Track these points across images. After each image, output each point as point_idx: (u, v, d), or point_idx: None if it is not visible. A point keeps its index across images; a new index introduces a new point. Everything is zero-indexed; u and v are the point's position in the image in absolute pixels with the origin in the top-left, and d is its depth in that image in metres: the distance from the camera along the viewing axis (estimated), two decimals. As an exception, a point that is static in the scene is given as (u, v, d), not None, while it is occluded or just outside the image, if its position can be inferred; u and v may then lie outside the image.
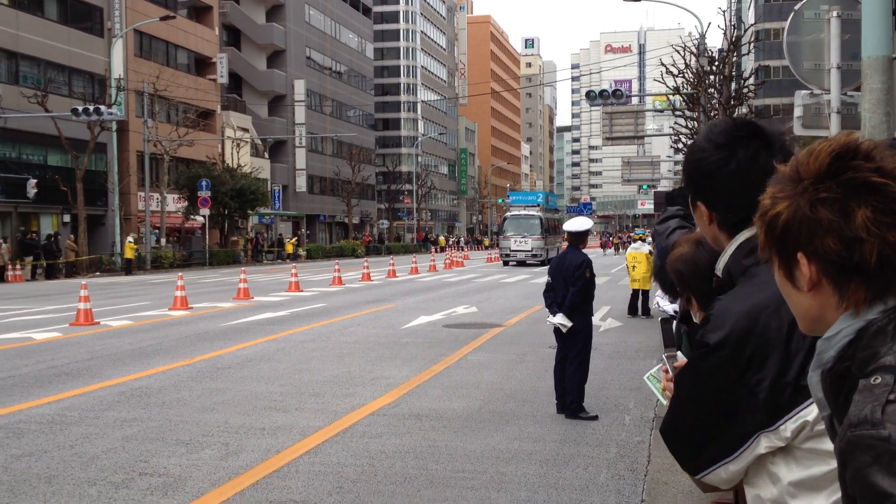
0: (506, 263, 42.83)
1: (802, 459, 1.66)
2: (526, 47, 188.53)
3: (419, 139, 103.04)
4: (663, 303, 7.76)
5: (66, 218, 43.52)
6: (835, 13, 7.06)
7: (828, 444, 1.57)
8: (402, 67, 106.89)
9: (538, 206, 46.76)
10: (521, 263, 42.07)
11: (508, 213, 45.69)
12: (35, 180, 39.24)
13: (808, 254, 1.22)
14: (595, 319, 13.00)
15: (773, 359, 1.65)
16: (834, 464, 1.18)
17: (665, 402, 2.57)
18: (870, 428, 1.06)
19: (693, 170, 1.87)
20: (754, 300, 1.70)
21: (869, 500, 1.04)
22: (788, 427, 1.65)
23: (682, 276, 2.30)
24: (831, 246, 1.19)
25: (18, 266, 34.11)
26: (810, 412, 1.63)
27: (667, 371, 2.25)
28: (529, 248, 42.27)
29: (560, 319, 8.43)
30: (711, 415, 1.71)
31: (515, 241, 42.43)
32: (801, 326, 1.32)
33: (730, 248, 1.85)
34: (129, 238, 39.84)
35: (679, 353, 2.25)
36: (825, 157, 1.22)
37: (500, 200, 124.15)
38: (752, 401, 1.66)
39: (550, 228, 45.80)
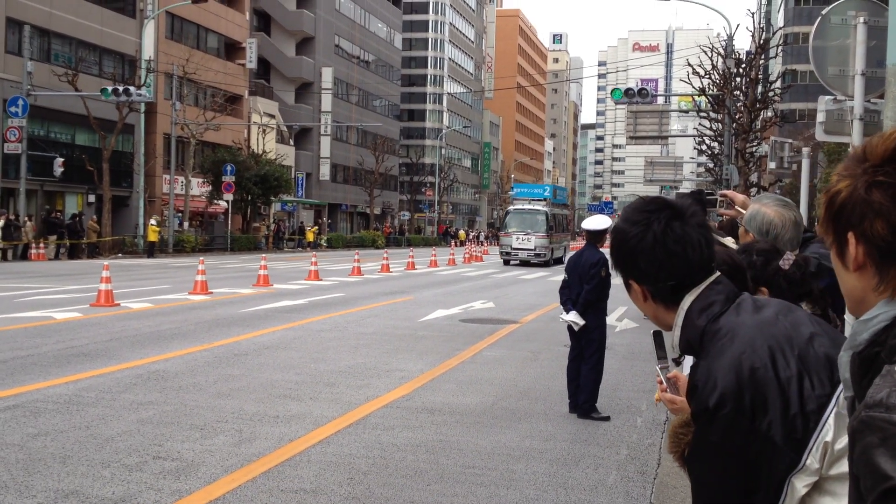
0: (507, 263, 39.11)
1: (835, 489, 1.64)
2: (554, 42, 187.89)
3: (443, 131, 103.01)
4: None
5: (91, 198, 43.85)
6: (861, 19, 7.02)
7: None
8: (429, 59, 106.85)
9: (544, 200, 42.75)
10: (525, 263, 38.51)
11: (511, 207, 41.65)
12: (62, 159, 39.52)
13: (857, 234, 1.24)
14: (611, 320, 13.03)
15: (772, 397, 1.66)
16: None
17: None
18: (883, 411, 1.09)
19: (617, 250, 1.93)
20: (730, 352, 1.72)
21: (871, 480, 1.07)
22: (814, 458, 1.64)
23: None
24: (879, 230, 1.20)
25: (42, 245, 34.42)
26: (827, 433, 1.63)
27: (661, 382, 2.27)
28: (532, 247, 38.27)
29: (573, 317, 8.45)
30: (738, 479, 1.69)
31: (518, 239, 38.48)
32: (848, 306, 1.34)
33: (679, 319, 1.88)
34: (153, 221, 40.11)
35: (672, 363, 2.28)
36: (893, 141, 1.23)
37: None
38: (771, 445, 1.66)
39: (557, 225, 42.42)
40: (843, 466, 1.60)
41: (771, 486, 1.67)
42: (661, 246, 1.84)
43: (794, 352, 1.69)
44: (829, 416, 1.64)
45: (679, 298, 1.87)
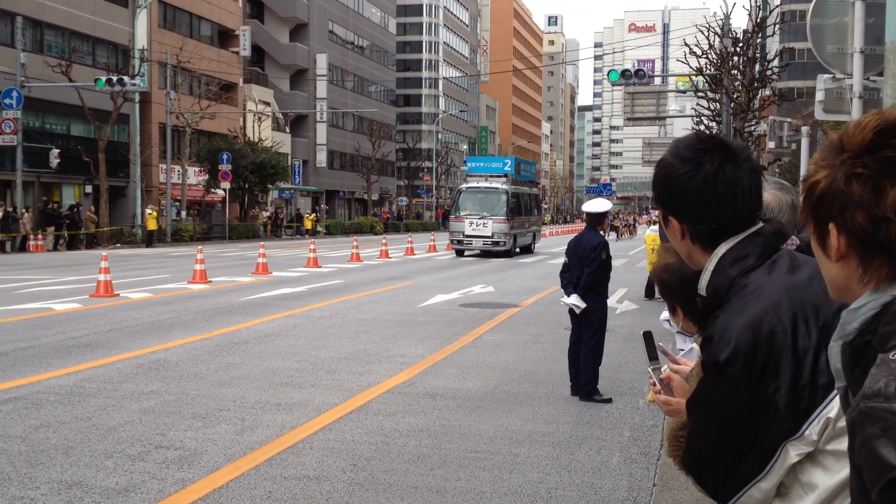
0: (459, 254, 32.18)
1: (828, 463, 1.65)
2: (549, 24, 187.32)
3: (440, 116, 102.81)
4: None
5: (88, 189, 43.79)
6: (860, -3, 6.98)
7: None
8: (424, 43, 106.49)
9: (504, 176, 35.06)
10: (486, 254, 32.05)
11: (464, 186, 34.27)
12: (58, 150, 39.46)
13: (838, 225, 1.23)
14: (611, 302, 13.02)
15: (784, 363, 1.65)
16: None
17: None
18: (882, 401, 1.08)
19: (662, 185, 1.88)
20: (752, 310, 1.69)
21: (874, 471, 1.06)
22: (813, 430, 1.64)
23: (668, 286, 2.29)
24: (860, 221, 1.19)
25: (40, 236, 34.39)
26: (831, 409, 1.63)
27: (654, 383, 2.25)
28: (489, 234, 31.38)
29: (574, 300, 8.44)
30: (735, 435, 1.69)
31: (471, 224, 31.52)
32: (830, 292, 1.33)
33: (710, 264, 1.85)
34: (149, 210, 40.05)
35: (665, 365, 2.25)
36: (869, 131, 1.22)
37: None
38: (773, 411, 1.65)
39: (522, 207, 34.84)
40: (841, 444, 1.61)
41: (765, 448, 1.67)
42: (711, 187, 1.79)
43: (818, 322, 1.67)
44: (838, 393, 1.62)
45: (718, 242, 1.83)
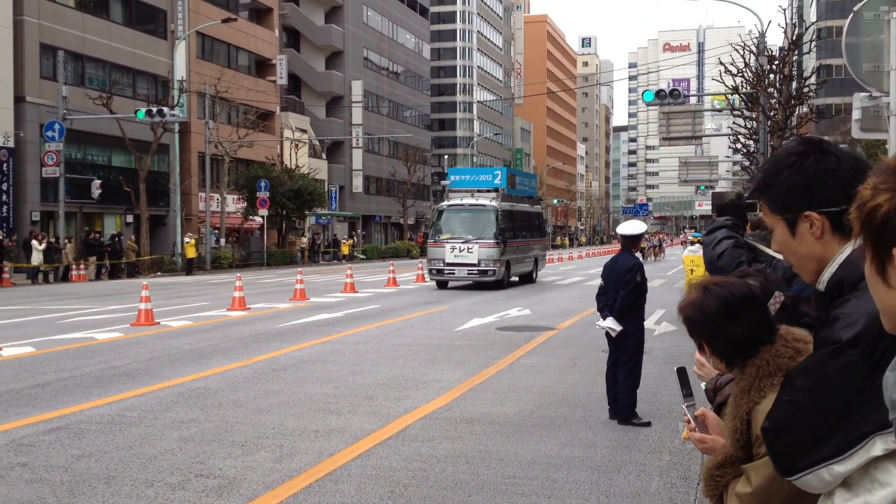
0: (441, 286, 27.23)
1: None
2: (583, 46, 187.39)
3: (475, 139, 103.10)
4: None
5: (129, 218, 44.45)
6: (895, 14, 6.92)
7: None
8: (458, 67, 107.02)
9: (495, 190, 28.52)
10: (480, 285, 27.12)
11: (444, 204, 28.64)
12: (99, 181, 40.16)
13: None
14: (649, 323, 12.94)
15: None
16: None
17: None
18: None
19: (791, 184, 1.85)
20: None
21: None
22: None
23: (692, 322, 2.28)
24: None
25: (83, 266, 34.90)
26: None
27: (689, 421, 2.23)
28: (475, 261, 26.30)
29: (610, 323, 8.40)
30: (831, 413, 1.67)
31: (453, 250, 26.49)
32: (886, 324, 1.29)
33: (838, 258, 1.83)
34: (187, 238, 40.50)
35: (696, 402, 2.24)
36: None
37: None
38: (876, 400, 1.62)
39: (519, 227, 29.31)
40: None
41: (854, 433, 1.64)
42: (847, 162, 1.79)
43: None
44: None
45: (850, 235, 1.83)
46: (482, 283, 26.96)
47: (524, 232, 30.02)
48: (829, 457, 1.67)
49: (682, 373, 2.42)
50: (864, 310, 1.68)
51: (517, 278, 29.40)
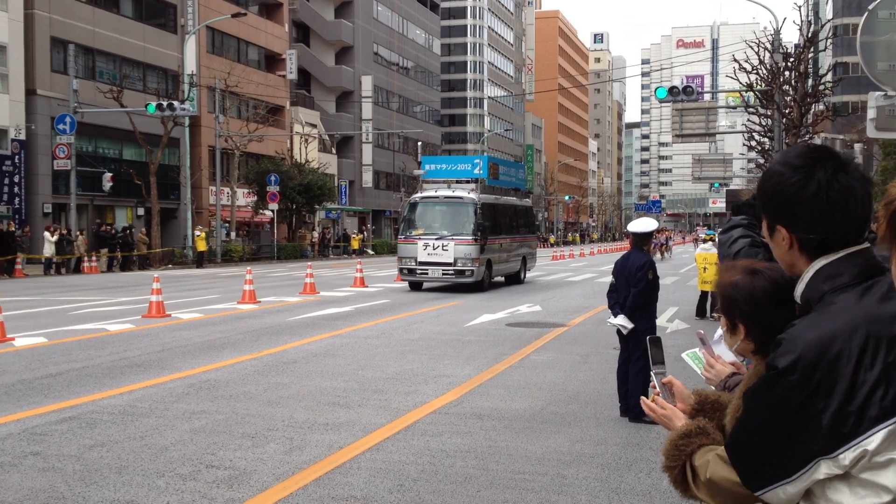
0: (414, 287, 24.87)
1: (857, 489, 1.68)
2: (595, 42, 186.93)
3: (485, 135, 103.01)
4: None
5: (140, 211, 44.61)
6: (911, 13, 6.88)
7: (883, 478, 1.58)
8: (468, 63, 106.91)
9: (474, 181, 26.13)
10: (455, 287, 24.79)
11: (417, 196, 26.11)
12: (110, 174, 40.32)
13: None
14: (661, 321, 12.92)
15: (839, 387, 1.66)
16: (887, 497, 1.17)
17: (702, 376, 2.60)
18: None
19: (772, 194, 1.87)
20: (826, 328, 1.71)
21: None
22: (847, 456, 1.66)
23: (735, 303, 2.26)
24: None
25: (94, 258, 35.04)
26: (871, 442, 1.64)
27: (655, 387, 2.27)
28: (451, 260, 23.78)
29: (621, 321, 8.38)
30: (775, 436, 1.73)
31: (426, 247, 23.98)
32: None
33: (807, 275, 1.85)
34: (197, 231, 40.59)
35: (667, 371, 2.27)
36: None
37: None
38: (816, 427, 1.68)
39: (503, 222, 26.89)
40: (876, 476, 1.64)
41: (799, 457, 1.71)
42: (825, 195, 1.79)
43: (888, 357, 1.66)
44: (883, 428, 1.64)
45: (825, 252, 1.83)
46: (460, 286, 24.46)
47: (509, 227, 27.52)
48: (781, 477, 1.74)
49: (655, 341, 2.47)
50: (804, 335, 1.72)
51: (503, 278, 27.19)
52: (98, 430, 7.50)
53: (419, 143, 71.87)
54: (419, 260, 23.95)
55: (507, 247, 26.78)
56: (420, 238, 24.16)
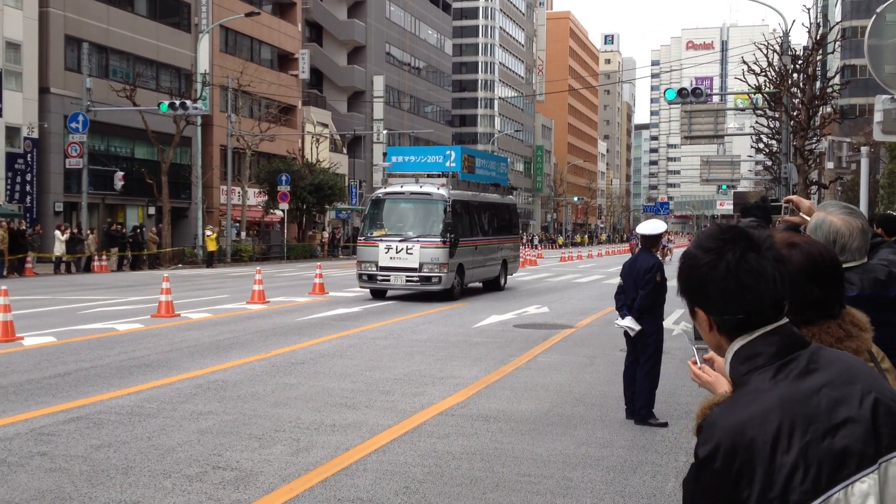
0: (376, 295, 22.07)
1: None
2: (605, 43, 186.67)
3: (495, 136, 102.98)
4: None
5: (151, 210, 44.74)
6: (920, 17, 6.87)
7: None
8: (480, 63, 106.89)
9: (444, 176, 23.26)
10: (424, 296, 21.96)
11: (380, 192, 23.34)
12: (122, 173, 40.43)
13: None
14: (668, 323, 12.88)
15: (758, 474, 1.65)
16: None
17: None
18: None
19: (686, 277, 1.87)
20: (740, 414, 1.70)
21: None
22: None
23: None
24: None
25: (104, 257, 35.17)
26: None
27: (695, 362, 2.26)
28: (416, 265, 21.00)
29: (629, 322, 8.39)
30: None
31: (388, 250, 21.18)
32: None
33: (728, 356, 1.85)
34: (208, 231, 40.69)
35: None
36: None
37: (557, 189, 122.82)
38: None
39: (478, 222, 24.17)
40: None
41: None
42: (734, 277, 1.79)
43: (804, 437, 1.66)
44: None
45: (743, 333, 1.82)
46: (427, 294, 21.82)
47: (487, 228, 24.71)
48: None
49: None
50: (721, 422, 1.71)
51: (480, 284, 24.77)
52: (105, 431, 7.54)
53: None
54: (380, 265, 21.15)
55: (483, 249, 23.99)
56: (382, 240, 21.42)
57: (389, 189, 22.70)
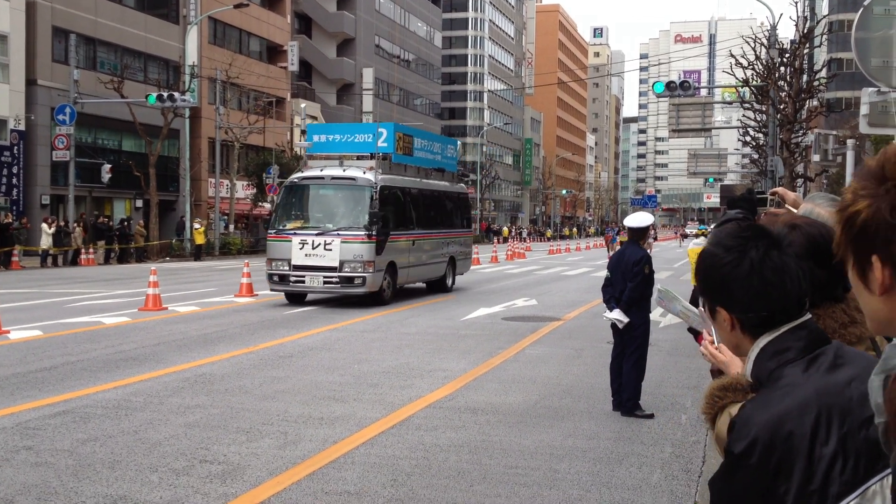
0: (291, 299, 18.85)
1: None
2: (594, 36, 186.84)
3: (484, 129, 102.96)
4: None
5: (139, 203, 44.55)
6: (906, 10, 6.90)
7: None
8: (469, 56, 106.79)
9: (370, 157, 19.74)
10: (357, 300, 18.78)
11: (295, 176, 19.98)
12: (109, 165, 40.23)
13: (882, 257, 1.19)
14: (655, 316, 12.92)
15: (798, 467, 1.63)
16: None
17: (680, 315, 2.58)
18: None
19: (707, 276, 1.86)
20: (777, 408, 1.68)
21: None
22: None
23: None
24: None
25: (91, 250, 35.02)
26: None
27: (713, 342, 2.25)
28: (335, 263, 17.78)
29: (617, 315, 8.42)
30: None
31: (303, 246, 17.99)
32: (870, 326, 1.30)
33: (752, 354, 1.83)
34: (196, 224, 40.56)
35: None
36: None
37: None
38: None
39: (416, 213, 20.88)
40: None
41: None
42: (758, 275, 1.78)
43: (841, 429, 1.65)
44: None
45: (768, 329, 1.81)
46: (353, 298, 18.76)
47: (429, 219, 21.54)
48: None
49: None
50: (756, 417, 1.69)
51: (424, 284, 22.03)
52: (92, 425, 7.52)
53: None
54: (294, 263, 17.96)
55: (423, 245, 20.70)
56: (296, 233, 18.22)
57: (307, 173, 19.41)
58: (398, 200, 19.84)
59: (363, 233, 17.88)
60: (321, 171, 19.17)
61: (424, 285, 22.15)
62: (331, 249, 17.82)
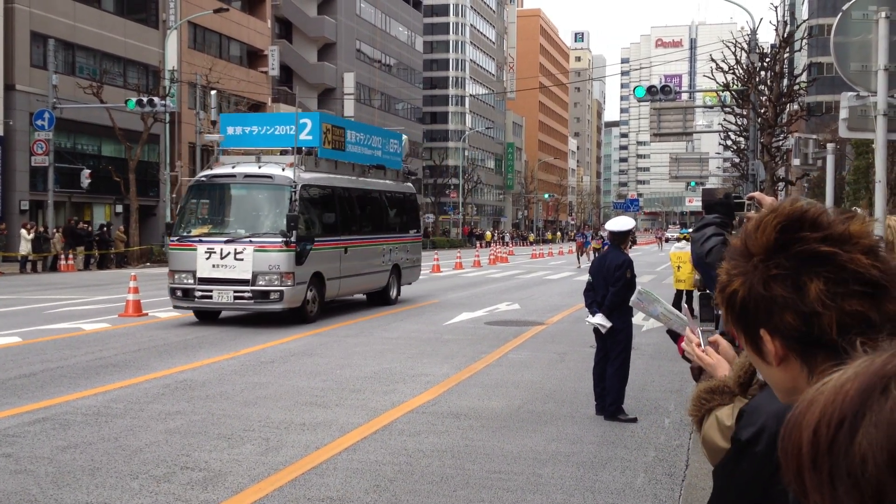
0: (205, 317, 16.23)
1: None
2: (576, 41, 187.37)
3: (466, 133, 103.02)
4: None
5: (119, 208, 44.27)
6: (883, 14, 6.96)
7: None
8: (450, 61, 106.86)
9: (292, 152, 16.92)
10: (267, 315, 16.23)
11: (203, 175, 17.90)
12: (89, 171, 39.95)
13: (769, 330, 1.20)
14: (637, 319, 12.96)
15: None
16: None
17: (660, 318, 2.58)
18: None
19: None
20: None
21: None
22: None
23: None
24: (790, 322, 1.18)
25: (71, 256, 34.76)
26: None
27: (699, 344, 2.27)
28: (247, 276, 15.31)
29: (599, 319, 8.42)
30: None
31: (209, 256, 15.49)
32: (779, 397, 1.31)
33: None
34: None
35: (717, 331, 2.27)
36: (771, 231, 1.21)
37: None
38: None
39: (352, 217, 18.50)
40: None
41: None
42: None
43: None
44: None
45: None
46: (262, 315, 16.20)
47: (367, 223, 19.08)
48: None
49: (704, 297, 2.46)
50: (765, 408, 1.69)
51: (364, 296, 19.79)
52: (71, 432, 7.45)
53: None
54: (200, 275, 15.49)
55: (358, 253, 18.14)
56: (201, 240, 15.74)
57: (216, 171, 16.97)
58: (326, 202, 17.40)
59: (280, 240, 15.37)
60: (233, 167, 16.69)
61: (364, 297, 19.84)
62: (242, 259, 15.33)
